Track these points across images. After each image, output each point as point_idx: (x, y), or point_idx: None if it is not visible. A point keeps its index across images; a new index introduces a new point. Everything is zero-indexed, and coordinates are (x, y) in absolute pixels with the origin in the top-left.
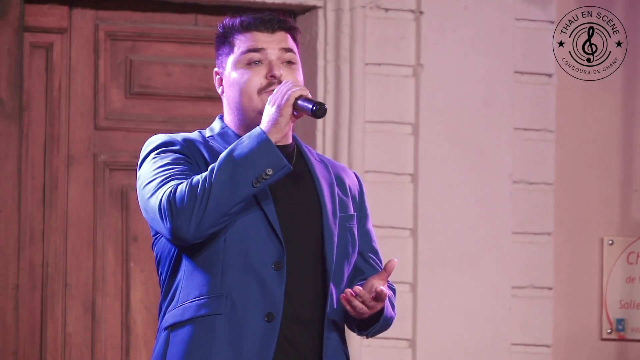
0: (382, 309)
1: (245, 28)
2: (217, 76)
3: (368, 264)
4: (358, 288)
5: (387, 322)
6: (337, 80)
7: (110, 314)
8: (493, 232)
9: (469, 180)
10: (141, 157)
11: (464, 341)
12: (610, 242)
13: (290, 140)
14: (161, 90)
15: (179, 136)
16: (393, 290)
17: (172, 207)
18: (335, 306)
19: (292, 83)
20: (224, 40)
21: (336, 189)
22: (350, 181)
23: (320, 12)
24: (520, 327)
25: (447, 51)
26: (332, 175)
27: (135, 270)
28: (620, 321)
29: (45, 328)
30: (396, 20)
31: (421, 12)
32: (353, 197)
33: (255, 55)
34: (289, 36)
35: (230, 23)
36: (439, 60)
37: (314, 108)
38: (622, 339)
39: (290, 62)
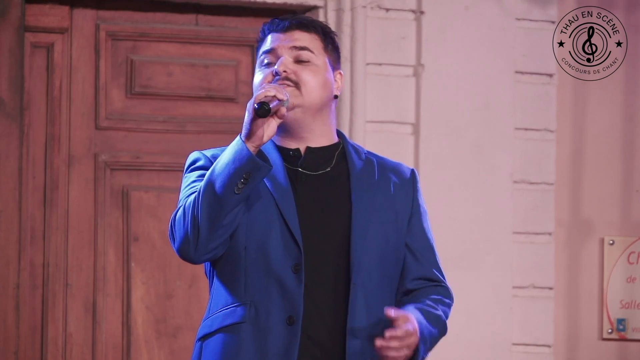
0: (417, 349)
1: (265, 31)
2: None
3: (416, 259)
4: (390, 333)
5: (434, 341)
6: None
7: (111, 314)
8: (494, 232)
9: (470, 180)
10: None
11: (465, 341)
12: (611, 242)
13: (334, 140)
14: (162, 90)
15: (209, 152)
16: (447, 305)
17: (174, 233)
18: (364, 306)
19: (264, 85)
20: (258, 45)
21: (378, 188)
22: (401, 179)
23: (321, 12)
24: (521, 327)
25: (447, 51)
26: (377, 174)
27: (136, 270)
28: (620, 321)
29: (46, 328)
30: (397, 20)
31: (422, 12)
32: (403, 195)
33: (269, 56)
34: (307, 34)
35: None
36: (439, 60)
37: (256, 107)
38: (622, 339)
39: (304, 61)
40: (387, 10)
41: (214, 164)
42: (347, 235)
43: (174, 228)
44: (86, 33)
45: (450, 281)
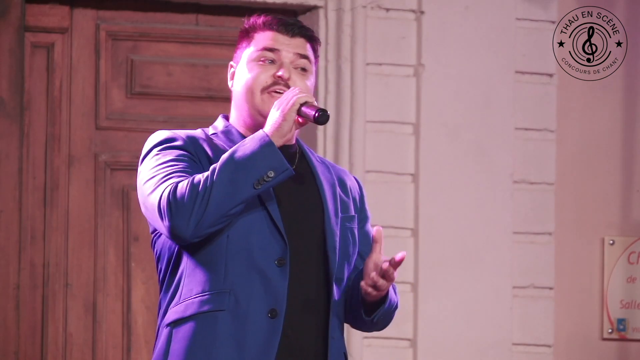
0: (387, 293)
1: (267, 26)
2: (231, 69)
3: None
4: (381, 268)
5: (391, 308)
6: (338, 80)
7: (111, 313)
8: (494, 232)
9: (470, 180)
10: (143, 152)
11: (465, 341)
12: (611, 242)
13: (293, 142)
14: (162, 90)
15: (182, 132)
16: (394, 288)
17: (171, 206)
18: (337, 306)
19: (300, 89)
20: (245, 35)
21: (338, 189)
22: (351, 183)
23: (322, 12)
24: (521, 327)
25: (448, 51)
26: (334, 176)
27: (136, 270)
28: (621, 321)
29: (46, 328)
30: (397, 20)
31: (422, 12)
32: (354, 199)
33: (269, 54)
34: (308, 44)
35: (254, 20)
36: (439, 60)
37: (317, 115)
38: (623, 339)
39: (303, 69)
40: (387, 10)
41: (231, 152)
42: (321, 234)
43: (172, 201)
44: (86, 33)
45: (451, 281)
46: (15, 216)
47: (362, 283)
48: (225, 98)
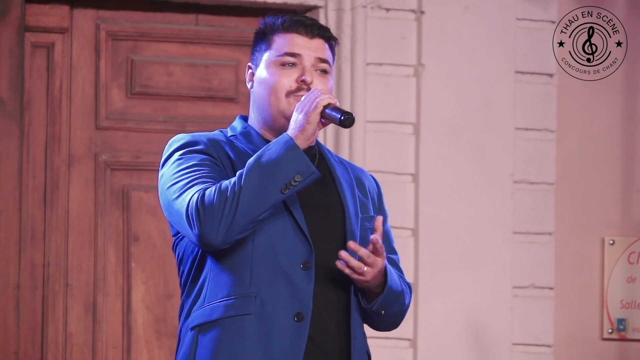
0: (386, 278)
1: (286, 28)
2: (249, 71)
3: (388, 263)
4: (351, 242)
5: (396, 296)
6: (338, 80)
7: (111, 314)
8: (494, 232)
9: (470, 180)
10: (164, 156)
11: (465, 341)
12: (611, 242)
13: (313, 143)
14: (162, 90)
15: (202, 136)
16: (409, 287)
17: (200, 214)
18: (357, 308)
19: (321, 91)
20: (263, 37)
21: (356, 190)
22: (369, 183)
23: (322, 12)
24: (521, 326)
25: (448, 51)
26: (352, 177)
27: (136, 270)
28: (621, 321)
29: (46, 328)
30: (397, 20)
31: (422, 12)
32: (372, 199)
33: (291, 59)
34: (326, 45)
35: (272, 21)
36: (440, 60)
37: (342, 118)
38: (623, 339)
39: (323, 72)
40: (387, 10)
41: (257, 157)
42: (342, 236)
43: (201, 209)
44: (86, 33)
45: (451, 281)
46: (15, 216)
47: (337, 262)
48: (225, 98)
